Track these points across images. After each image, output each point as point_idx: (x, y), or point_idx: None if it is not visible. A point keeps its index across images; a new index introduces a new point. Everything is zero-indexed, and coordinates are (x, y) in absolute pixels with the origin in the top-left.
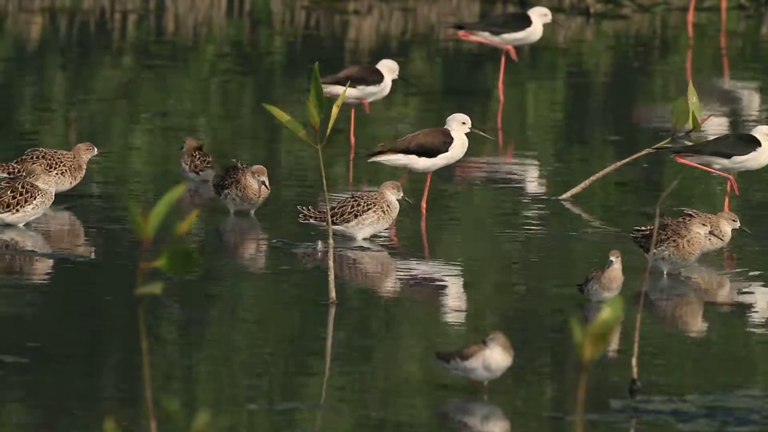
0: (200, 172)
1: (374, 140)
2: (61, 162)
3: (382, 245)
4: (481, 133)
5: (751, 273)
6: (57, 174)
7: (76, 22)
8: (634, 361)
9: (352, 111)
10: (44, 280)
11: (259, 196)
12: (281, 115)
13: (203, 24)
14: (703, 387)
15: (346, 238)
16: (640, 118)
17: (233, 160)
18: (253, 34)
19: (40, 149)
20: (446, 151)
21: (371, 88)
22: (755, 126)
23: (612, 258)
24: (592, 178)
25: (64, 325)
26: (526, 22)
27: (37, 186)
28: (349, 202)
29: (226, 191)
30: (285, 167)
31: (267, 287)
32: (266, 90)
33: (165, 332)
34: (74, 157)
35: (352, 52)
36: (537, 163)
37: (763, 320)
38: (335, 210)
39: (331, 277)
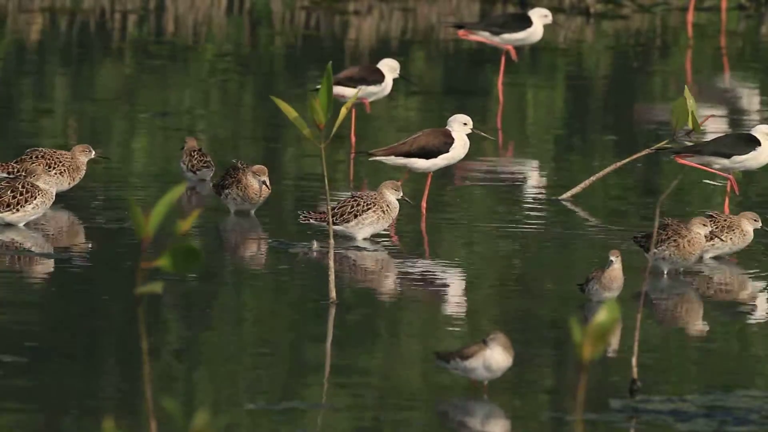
0: (197, 172)
1: (375, 140)
2: (60, 162)
3: (382, 245)
4: (482, 133)
5: (751, 272)
6: (56, 174)
7: (76, 22)
8: (634, 360)
9: (353, 110)
10: (44, 279)
11: (260, 196)
12: (289, 111)
13: (203, 24)
14: (703, 387)
15: (346, 238)
16: (640, 119)
17: (233, 160)
18: (253, 34)
19: (40, 149)
20: (447, 151)
21: (372, 88)
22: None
23: (612, 258)
24: (593, 178)
25: (64, 325)
26: (527, 23)
27: (38, 186)
28: (349, 202)
29: (227, 191)
30: (285, 167)
31: (267, 287)
32: (266, 90)
33: (165, 332)
34: (72, 159)
35: (353, 52)
36: (537, 163)
37: (764, 320)
38: (335, 210)
39: (332, 277)
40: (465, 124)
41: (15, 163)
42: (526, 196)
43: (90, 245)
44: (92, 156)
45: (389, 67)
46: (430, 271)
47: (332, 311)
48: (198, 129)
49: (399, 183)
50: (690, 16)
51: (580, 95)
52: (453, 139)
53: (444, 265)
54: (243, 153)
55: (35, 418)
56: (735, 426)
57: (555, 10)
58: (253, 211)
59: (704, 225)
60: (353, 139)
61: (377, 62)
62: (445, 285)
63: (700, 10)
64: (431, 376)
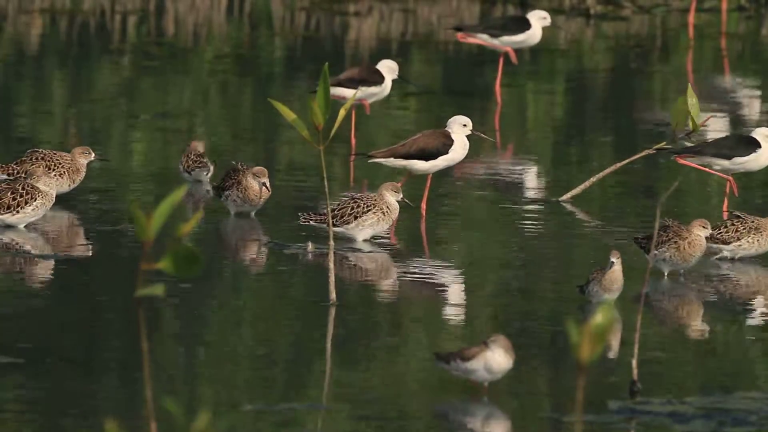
0: (191, 172)
1: (374, 141)
2: (60, 164)
3: (382, 246)
4: (482, 135)
5: (751, 274)
6: (55, 176)
7: (76, 23)
8: (634, 362)
9: (353, 112)
10: (44, 281)
11: (260, 198)
12: (287, 113)
13: (203, 25)
14: (703, 388)
15: (346, 240)
16: (639, 119)
17: (233, 162)
18: (252, 35)
19: (40, 150)
20: (447, 153)
21: (372, 89)
22: (755, 127)
23: (612, 259)
24: (592, 179)
25: (64, 326)
26: (526, 26)
27: (38, 187)
28: (349, 203)
29: (227, 193)
30: (284, 168)
31: (267, 288)
32: (266, 91)
33: (165, 333)
34: (72, 161)
35: (353, 54)
36: (537, 164)
37: (764, 322)
38: (335, 211)
39: (332, 279)
40: (464, 125)
41: (15, 164)
42: (526, 197)
43: (90, 247)
44: (92, 158)
45: (389, 68)
46: (429, 273)
47: (332, 312)
48: (197, 130)
49: (399, 184)
50: (691, 18)
51: (579, 96)
52: (452, 140)
53: (443, 267)
54: (242, 154)
55: (35, 419)
56: (733, 427)
57: (555, 11)
58: (253, 213)
59: (704, 227)
60: (353, 140)
61: (377, 63)
62: (445, 286)
63: (701, 11)
64: (431, 378)
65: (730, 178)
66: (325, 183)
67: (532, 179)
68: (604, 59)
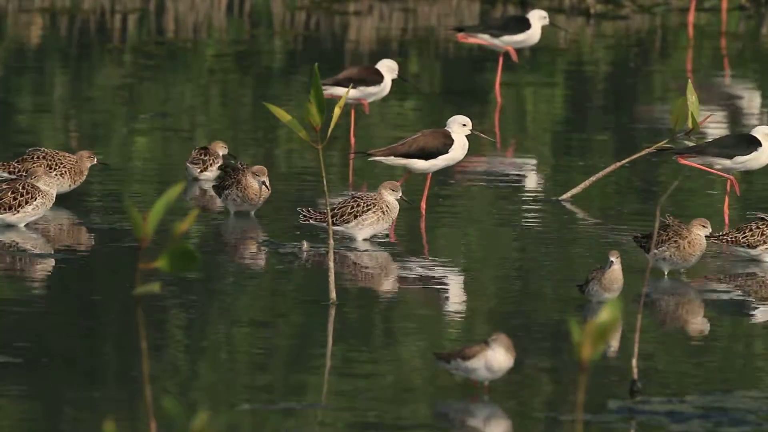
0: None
1: (374, 140)
2: (62, 163)
3: (381, 245)
4: (482, 135)
5: (752, 273)
6: (56, 175)
7: (76, 23)
8: (634, 361)
9: (352, 111)
10: (43, 280)
11: (260, 197)
12: (282, 115)
13: (203, 24)
14: (703, 388)
15: (346, 239)
16: (639, 119)
17: (232, 161)
18: (252, 34)
19: (41, 149)
20: (446, 152)
21: (371, 89)
22: (755, 126)
23: (612, 259)
24: (592, 178)
25: (63, 325)
26: (526, 25)
27: (38, 187)
28: (349, 202)
29: (227, 191)
30: (284, 167)
31: (267, 287)
32: (266, 90)
33: (164, 332)
34: (77, 162)
35: (352, 53)
36: (537, 163)
37: (764, 321)
38: (335, 211)
39: (332, 278)
40: (464, 125)
41: (16, 162)
42: (526, 196)
43: (89, 245)
44: (94, 162)
45: (388, 68)
46: (429, 272)
47: (332, 312)
48: (197, 129)
49: (398, 183)
50: (691, 17)
51: (579, 95)
52: (452, 140)
53: (443, 266)
54: (242, 153)
55: (34, 419)
56: (730, 427)
57: (555, 10)
58: (252, 212)
59: (704, 226)
60: (352, 139)
61: (377, 63)
62: (445, 285)
63: (701, 11)
64: (431, 377)
65: (732, 177)
66: (324, 182)
67: (531, 178)
68: (604, 58)
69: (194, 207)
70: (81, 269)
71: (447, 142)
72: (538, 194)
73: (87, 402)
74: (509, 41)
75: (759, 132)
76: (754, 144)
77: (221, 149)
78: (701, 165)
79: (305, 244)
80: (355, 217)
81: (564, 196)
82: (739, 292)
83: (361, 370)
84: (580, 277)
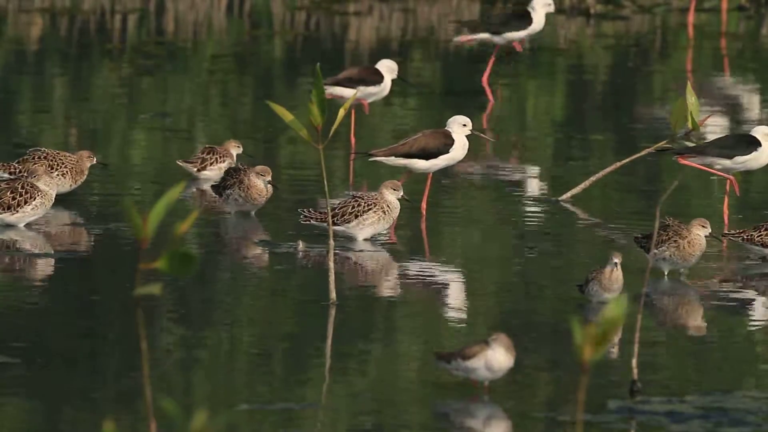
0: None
1: (374, 141)
2: (63, 163)
3: (382, 245)
4: (482, 135)
5: (751, 273)
6: (58, 175)
7: (76, 23)
8: (634, 362)
9: (352, 111)
10: (43, 280)
11: (264, 197)
12: (285, 114)
13: (203, 24)
14: (703, 388)
15: (346, 239)
16: (639, 119)
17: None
18: (252, 34)
19: (42, 149)
20: (447, 152)
21: (371, 89)
22: (754, 126)
23: (615, 260)
24: (592, 178)
25: (63, 325)
26: (527, 20)
27: (38, 187)
28: (350, 202)
29: (228, 192)
30: (284, 168)
31: (267, 287)
32: (266, 91)
33: (164, 333)
34: (77, 162)
35: (352, 53)
36: (536, 163)
37: (764, 321)
38: (336, 210)
39: (332, 278)
40: (464, 125)
41: (17, 163)
42: (526, 196)
43: (89, 246)
44: (93, 162)
45: (388, 68)
46: (429, 272)
47: (332, 312)
48: (197, 129)
49: (399, 182)
50: (691, 17)
51: (579, 95)
52: (453, 140)
53: (443, 266)
54: (242, 154)
55: (33, 419)
56: (730, 427)
57: (555, 11)
58: (253, 212)
59: (704, 227)
60: (353, 139)
61: (377, 63)
62: (445, 285)
63: (701, 11)
64: (431, 377)
65: (732, 177)
66: (325, 182)
67: (531, 179)
68: (604, 58)
69: (195, 207)
70: (80, 269)
71: (447, 142)
72: (538, 194)
73: (87, 402)
74: (511, 37)
75: (759, 132)
76: (754, 144)
77: (234, 148)
78: (701, 165)
79: (301, 244)
80: (356, 216)
81: (564, 197)
82: (740, 292)
83: (361, 370)
84: (580, 277)
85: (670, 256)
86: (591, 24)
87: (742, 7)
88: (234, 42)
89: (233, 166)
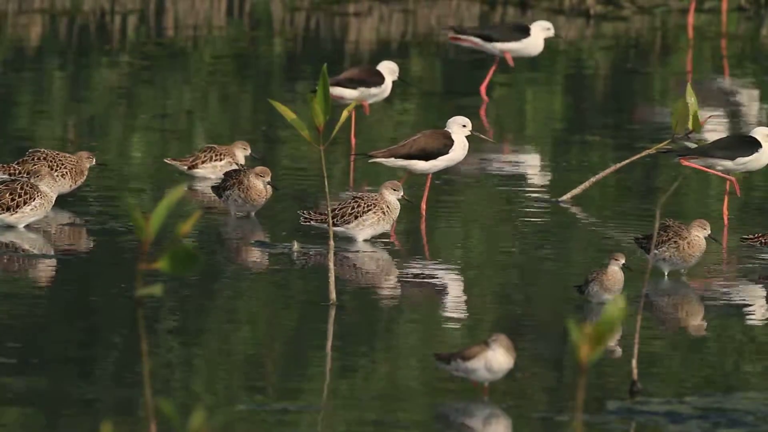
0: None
1: (374, 141)
2: (63, 164)
3: (381, 246)
4: (482, 136)
5: (751, 274)
6: (58, 176)
7: (76, 24)
8: (634, 362)
9: (353, 112)
10: (43, 280)
11: (264, 197)
12: (287, 113)
13: (203, 25)
14: (703, 389)
15: (346, 239)
16: (639, 120)
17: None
18: (252, 35)
19: (42, 150)
20: (447, 153)
21: (372, 90)
22: (754, 127)
23: (620, 260)
24: (593, 179)
25: (63, 326)
26: (523, 34)
27: (38, 188)
28: (350, 203)
29: (228, 192)
30: (284, 168)
31: (267, 289)
32: (265, 92)
33: (164, 333)
34: (77, 163)
35: (352, 54)
36: (537, 164)
37: (763, 321)
38: (336, 211)
39: (332, 279)
40: (464, 126)
41: (16, 164)
42: (526, 197)
43: (89, 246)
44: (93, 162)
45: (389, 70)
46: (429, 273)
47: (332, 313)
48: (196, 130)
49: (399, 183)
50: (690, 18)
51: (579, 96)
52: (452, 140)
53: (443, 267)
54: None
55: (33, 419)
56: (729, 428)
57: (555, 12)
58: (253, 213)
59: (703, 228)
60: (353, 140)
61: (377, 64)
62: (445, 286)
63: (700, 12)
64: (431, 378)
65: (733, 178)
66: (326, 183)
67: (531, 179)
68: (604, 59)
69: (195, 208)
70: (81, 270)
71: (447, 143)
72: (538, 195)
73: (86, 403)
74: (502, 48)
75: (759, 133)
76: (755, 145)
77: (240, 150)
78: (702, 166)
79: (295, 244)
80: (356, 217)
81: (564, 198)
82: (739, 293)
83: (361, 371)
84: (581, 278)
85: (670, 256)
86: (591, 25)
87: (741, 7)
88: (234, 43)
89: (235, 166)
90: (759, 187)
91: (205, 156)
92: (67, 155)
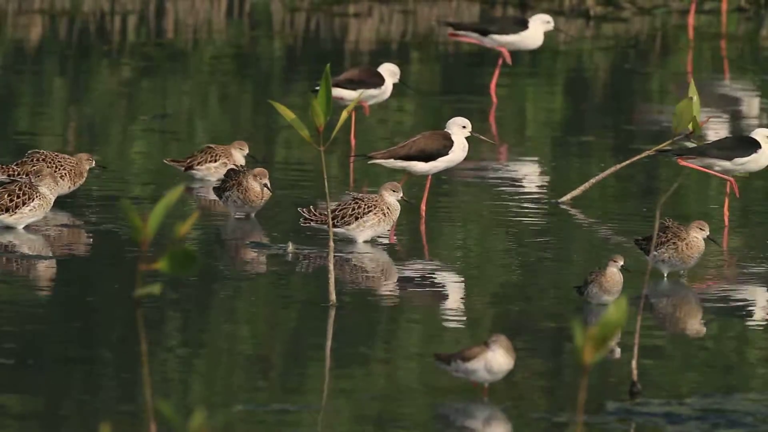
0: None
1: (374, 142)
2: (62, 166)
3: (381, 247)
4: (482, 137)
5: (751, 275)
6: (57, 177)
7: (76, 24)
8: (633, 363)
9: (353, 113)
10: (42, 281)
11: (261, 199)
12: (287, 114)
13: (203, 26)
14: (703, 389)
15: (346, 241)
16: (639, 121)
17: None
18: (252, 36)
19: (41, 151)
20: (446, 154)
21: (372, 91)
22: (754, 128)
23: (619, 262)
24: (592, 180)
25: (62, 326)
26: (520, 26)
27: (37, 189)
28: (350, 204)
29: (227, 193)
30: (284, 169)
31: (267, 289)
32: (265, 92)
33: (164, 334)
34: (76, 164)
35: (352, 55)
36: (536, 166)
37: (763, 322)
38: (336, 212)
39: (332, 280)
40: (464, 127)
41: (16, 165)
42: (526, 198)
43: (89, 247)
44: (92, 164)
45: (390, 72)
46: (429, 274)
47: (332, 313)
48: (196, 131)
49: (399, 184)
50: (691, 19)
51: (579, 97)
52: (452, 141)
53: (443, 268)
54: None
55: (33, 420)
56: (727, 429)
57: (555, 12)
58: (253, 214)
59: (702, 229)
60: (353, 141)
61: (377, 65)
62: (445, 287)
63: (700, 13)
64: (431, 379)
65: (731, 179)
66: (326, 184)
67: (531, 181)
68: (604, 60)
69: (194, 208)
70: (80, 271)
71: (447, 144)
72: (538, 196)
73: (86, 402)
74: (499, 41)
75: (759, 134)
76: (754, 146)
77: (237, 150)
78: (701, 167)
79: (290, 245)
80: (356, 218)
81: (564, 199)
82: (739, 294)
83: (361, 372)
84: (581, 279)
85: (669, 258)
86: (590, 25)
87: (741, 8)
88: (233, 43)
89: (233, 167)
90: (760, 188)
91: (201, 157)
92: (67, 157)
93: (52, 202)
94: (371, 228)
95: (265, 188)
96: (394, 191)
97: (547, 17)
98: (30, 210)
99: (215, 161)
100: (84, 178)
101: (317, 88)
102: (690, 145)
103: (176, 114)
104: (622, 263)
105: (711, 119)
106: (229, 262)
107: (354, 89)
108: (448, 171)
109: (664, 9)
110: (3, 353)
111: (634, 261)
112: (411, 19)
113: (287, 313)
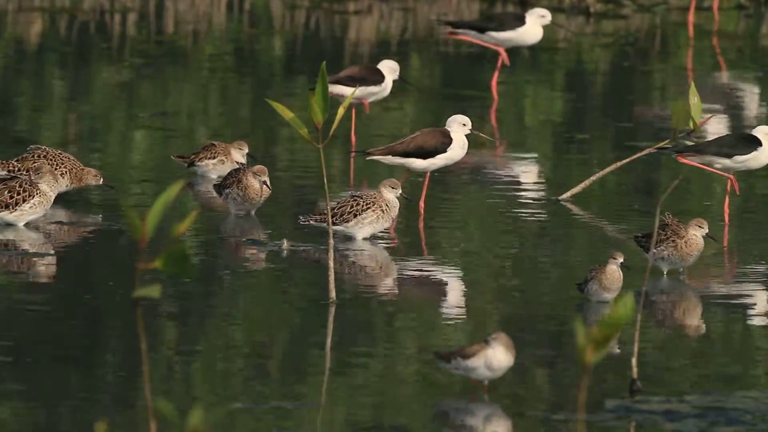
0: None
1: (374, 139)
2: (63, 163)
3: (381, 245)
4: (482, 135)
5: (751, 273)
6: (57, 174)
7: (76, 22)
8: (634, 361)
9: (353, 110)
10: (42, 279)
11: (260, 196)
12: (285, 112)
13: (202, 24)
14: (702, 387)
15: (345, 238)
16: (639, 118)
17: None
18: (252, 34)
19: (43, 147)
20: (445, 151)
21: (372, 88)
22: (754, 126)
23: (619, 259)
24: (593, 178)
25: (62, 325)
26: (517, 22)
27: (37, 186)
28: (349, 201)
29: (227, 191)
30: (284, 167)
31: (266, 286)
32: (265, 90)
33: (163, 332)
34: (78, 170)
35: (352, 52)
36: (537, 163)
37: (762, 320)
38: (335, 210)
39: (331, 277)
40: (464, 124)
41: (16, 161)
42: (526, 195)
43: (89, 245)
44: (100, 182)
45: (389, 68)
46: (428, 271)
47: (332, 311)
48: (197, 128)
49: (398, 181)
50: (691, 16)
51: (579, 95)
52: (451, 138)
53: (443, 265)
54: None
55: (32, 419)
56: (726, 426)
57: (555, 10)
58: (253, 211)
59: (701, 227)
60: (353, 138)
61: (377, 62)
62: (444, 285)
63: (700, 10)
64: (431, 376)
65: (732, 176)
66: (325, 181)
67: (531, 178)
68: (604, 58)
69: (194, 206)
70: (80, 269)
71: (445, 141)
72: (538, 194)
73: (86, 401)
74: (497, 38)
75: (759, 131)
76: (754, 143)
77: (236, 150)
78: (701, 164)
79: (285, 243)
80: (355, 216)
81: (564, 196)
82: (739, 292)
83: (361, 369)
84: (581, 276)
85: (669, 255)
86: (591, 23)
87: (741, 5)
88: (233, 41)
89: (228, 165)
90: (760, 185)
91: (203, 153)
92: (69, 156)
93: (52, 200)
94: (370, 225)
95: (265, 186)
96: (392, 188)
97: (543, 11)
98: (30, 207)
99: (214, 158)
100: (82, 185)
101: (316, 85)
102: (690, 142)
103: (176, 112)
104: (621, 260)
105: (711, 118)
106: (228, 260)
107: (354, 86)
108: (447, 168)
109: (664, 6)
110: (1, 351)
111: (631, 257)
112: (411, 16)
113: (287, 310)
